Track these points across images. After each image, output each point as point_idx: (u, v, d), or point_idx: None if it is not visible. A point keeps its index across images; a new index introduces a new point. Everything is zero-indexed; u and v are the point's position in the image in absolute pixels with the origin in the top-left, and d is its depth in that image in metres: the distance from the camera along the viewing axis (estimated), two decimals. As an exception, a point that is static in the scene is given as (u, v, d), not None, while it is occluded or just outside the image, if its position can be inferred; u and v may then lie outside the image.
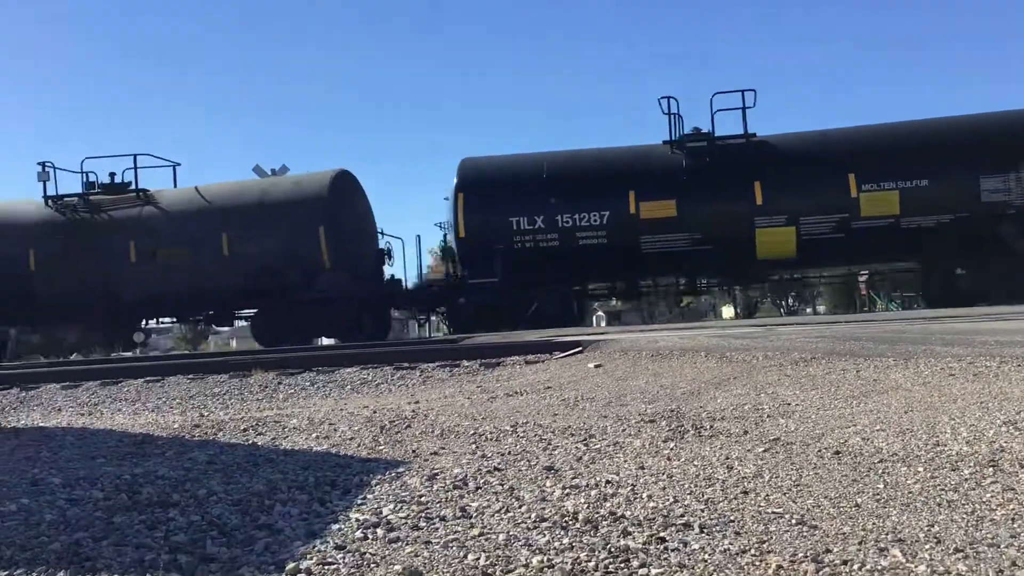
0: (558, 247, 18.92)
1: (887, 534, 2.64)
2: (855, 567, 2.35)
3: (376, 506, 3.23)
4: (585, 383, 7.06)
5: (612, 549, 2.58)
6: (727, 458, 3.86)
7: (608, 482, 3.48)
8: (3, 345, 21.82)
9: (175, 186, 21.29)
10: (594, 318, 39.94)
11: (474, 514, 3.07)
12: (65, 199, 20.67)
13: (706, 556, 2.50)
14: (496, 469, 3.84)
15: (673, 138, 19.32)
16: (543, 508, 3.10)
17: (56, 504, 3.35)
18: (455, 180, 19.73)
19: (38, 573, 2.52)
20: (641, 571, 2.38)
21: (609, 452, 4.16)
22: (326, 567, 2.51)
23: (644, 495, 3.24)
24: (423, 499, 3.31)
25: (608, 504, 3.13)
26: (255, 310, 20.59)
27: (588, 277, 20.19)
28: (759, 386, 6.02)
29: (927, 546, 2.52)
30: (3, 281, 19.73)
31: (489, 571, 2.42)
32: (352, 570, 2.48)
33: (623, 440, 4.45)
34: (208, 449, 4.71)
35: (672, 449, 4.15)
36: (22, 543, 2.83)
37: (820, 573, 2.32)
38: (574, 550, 2.59)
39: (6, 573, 2.53)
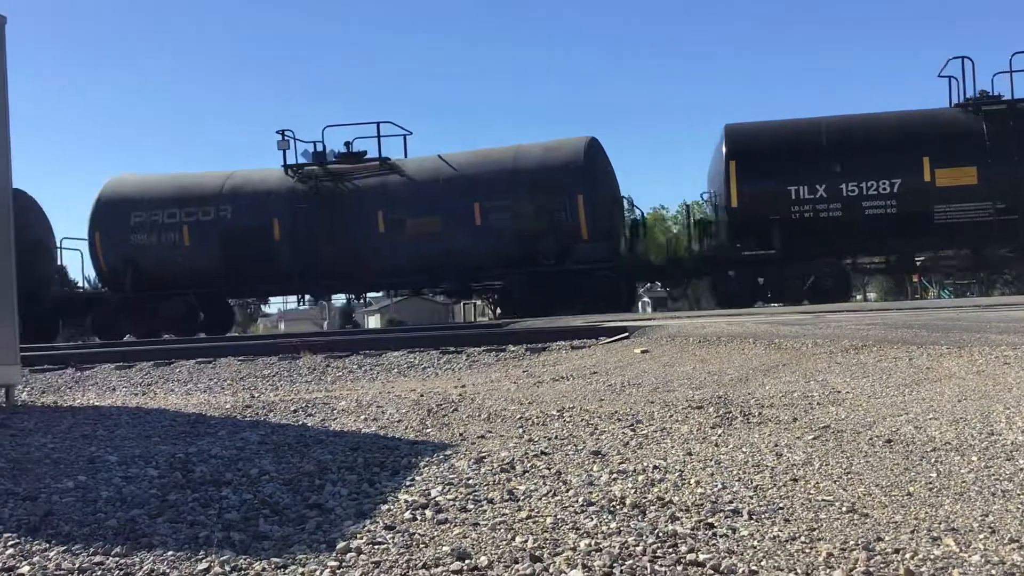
0: (840, 217, 17.85)
1: (940, 523, 2.61)
2: (907, 556, 2.33)
3: (424, 487, 3.26)
4: (631, 369, 7.05)
5: (660, 534, 2.57)
6: (776, 445, 3.83)
7: (655, 467, 3.48)
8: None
9: (405, 155, 20.43)
10: (639, 304, 39.67)
11: (521, 497, 3.09)
12: (305, 168, 20.13)
13: (755, 543, 2.49)
14: (543, 453, 3.85)
15: (961, 100, 18.28)
16: (590, 492, 3.10)
17: (112, 481, 3.43)
18: (723, 148, 18.65)
19: (95, 549, 2.57)
20: (689, 556, 2.38)
21: (656, 438, 4.15)
22: (376, 547, 2.54)
23: (692, 481, 3.23)
24: (471, 482, 3.33)
25: (655, 489, 3.12)
26: (499, 281, 19.83)
27: (862, 250, 19.13)
28: (808, 373, 5.96)
29: (981, 536, 2.48)
30: (250, 250, 19.45)
31: (537, 553, 2.43)
32: (402, 550, 2.51)
33: (670, 426, 4.44)
34: (259, 429, 4.78)
35: (720, 435, 4.13)
36: (79, 519, 2.90)
37: (871, 561, 2.29)
38: (622, 534, 2.59)
39: (64, 548, 2.59)
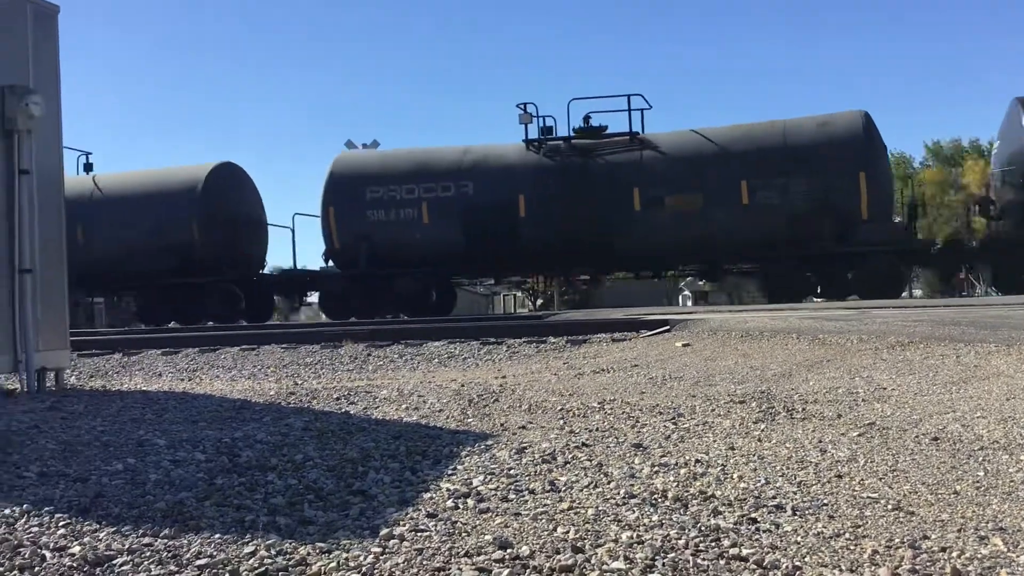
0: None
1: (987, 522, 2.58)
2: (954, 554, 2.30)
3: (466, 477, 3.28)
4: (672, 362, 7.02)
5: (702, 528, 2.57)
6: (820, 441, 3.80)
7: (697, 461, 3.47)
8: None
9: (642, 130, 19.32)
10: (680, 298, 39.53)
11: (563, 488, 3.09)
12: (549, 142, 19.23)
13: (799, 538, 2.47)
14: (584, 445, 3.86)
15: None
16: (632, 485, 3.10)
17: (161, 465, 3.49)
18: (1023, 119, 17.68)
19: (144, 530, 2.62)
20: (732, 551, 2.37)
21: (698, 432, 4.13)
22: (419, 534, 2.56)
23: (734, 475, 3.22)
24: (512, 472, 3.35)
25: (698, 483, 3.11)
26: (761, 264, 18.77)
27: None
28: (853, 369, 5.90)
29: (1031, 536, 2.45)
30: (493, 228, 18.74)
31: (579, 544, 2.44)
32: (444, 538, 2.52)
33: (712, 420, 4.42)
34: (303, 416, 4.84)
35: (763, 431, 4.11)
36: (129, 501, 2.95)
37: (918, 559, 2.27)
38: (664, 527, 2.58)
39: (114, 529, 2.63)
